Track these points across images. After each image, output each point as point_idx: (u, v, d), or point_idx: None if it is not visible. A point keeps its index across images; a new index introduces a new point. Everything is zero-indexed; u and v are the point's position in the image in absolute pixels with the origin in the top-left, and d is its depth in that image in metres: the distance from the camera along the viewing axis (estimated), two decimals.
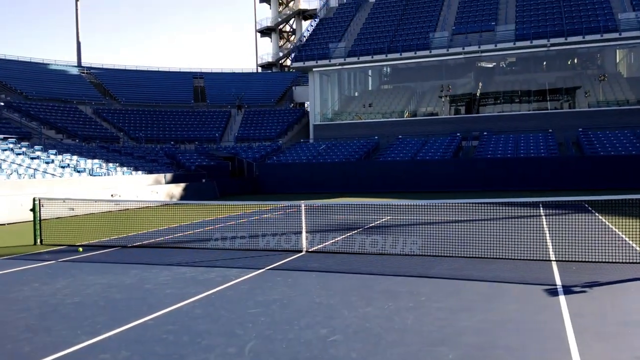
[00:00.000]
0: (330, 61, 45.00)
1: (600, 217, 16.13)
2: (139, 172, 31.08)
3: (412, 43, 43.37)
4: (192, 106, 51.77)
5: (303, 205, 12.03)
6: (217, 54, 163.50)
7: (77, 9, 56.38)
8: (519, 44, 40.11)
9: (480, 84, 46.80)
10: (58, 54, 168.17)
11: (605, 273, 8.69)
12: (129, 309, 7.25)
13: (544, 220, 16.16)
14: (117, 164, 31.77)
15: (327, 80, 48.57)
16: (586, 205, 19.38)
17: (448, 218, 16.87)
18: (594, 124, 36.87)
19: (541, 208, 19.52)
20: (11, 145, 29.99)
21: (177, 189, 29.88)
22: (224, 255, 11.37)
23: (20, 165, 26.48)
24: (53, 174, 26.26)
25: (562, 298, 7.26)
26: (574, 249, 10.21)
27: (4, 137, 32.01)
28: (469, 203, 18.25)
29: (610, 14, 40.29)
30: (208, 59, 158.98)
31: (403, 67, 47.79)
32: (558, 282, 8.19)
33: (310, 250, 11.57)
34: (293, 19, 70.18)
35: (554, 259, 9.98)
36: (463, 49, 41.34)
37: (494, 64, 48.78)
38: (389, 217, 17.75)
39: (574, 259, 9.74)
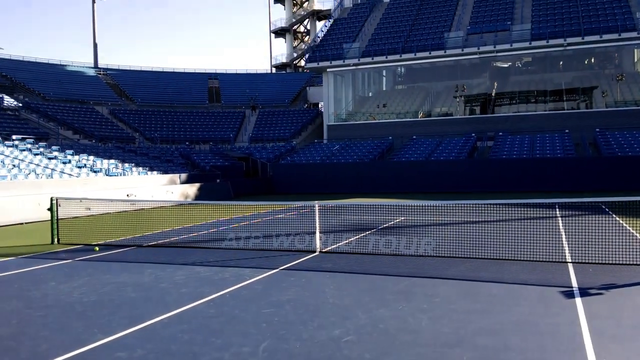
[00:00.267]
0: (344, 61, 44.97)
1: (617, 219, 15.92)
2: (154, 172, 31.34)
3: (426, 43, 43.19)
4: (206, 107, 52.07)
5: (317, 205, 12.04)
6: (232, 55, 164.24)
7: (93, 11, 57.00)
8: (535, 43, 39.74)
9: (496, 84, 46.45)
10: (75, 55, 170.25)
11: (623, 275, 8.58)
12: (145, 307, 7.32)
13: (560, 221, 15.99)
14: (133, 164, 32.06)
15: (341, 81, 48.55)
16: (603, 207, 19.14)
17: (463, 219, 16.77)
18: (611, 124, 36.41)
19: (557, 209, 19.32)
20: (29, 146, 30.42)
21: (192, 189, 30.07)
22: (238, 255, 11.42)
23: (38, 165, 26.84)
24: (70, 174, 26.58)
25: (578, 300, 7.19)
26: (590, 250, 10.10)
27: (23, 138, 32.47)
28: (484, 204, 18.12)
29: (629, 13, 39.76)
30: (223, 60, 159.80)
31: (417, 67, 47.61)
32: (574, 284, 8.11)
33: (324, 250, 11.58)
34: (307, 20, 70.28)
35: (570, 260, 9.88)
36: (478, 48, 41.07)
37: (510, 63, 48.38)
38: (403, 218, 17.70)
39: (590, 261, 9.63)
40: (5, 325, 6.64)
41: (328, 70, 45.77)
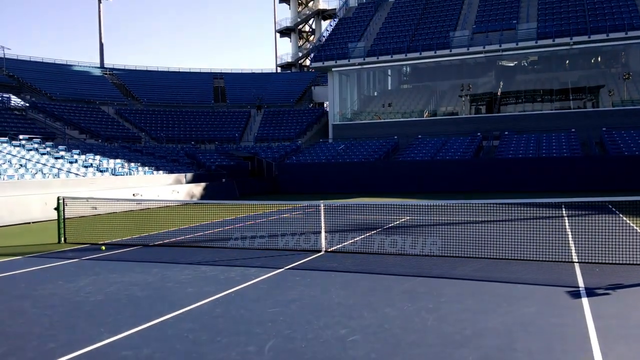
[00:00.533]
0: (349, 61, 44.94)
1: (624, 219, 15.84)
2: (160, 172, 31.43)
3: (432, 42, 43.09)
4: (212, 106, 52.17)
5: (322, 205, 12.04)
6: (237, 55, 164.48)
7: (99, 11, 57.21)
8: (541, 42, 39.57)
9: (501, 83, 46.30)
10: (81, 55, 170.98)
11: (629, 275, 8.54)
12: (151, 307, 7.35)
13: (567, 221, 15.93)
14: (139, 164, 32.17)
15: (347, 80, 48.52)
16: (610, 206, 19.05)
17: (468, 219, 16.73)
18: (618, 123, 36.22)
19: (563, 209, 19.24)
20: (36, 145, 30.57)
21: (198, 188, 30.14)
22: (243, 254, 11.44)
23: (44, 164, 26.97)
24: (76, 174, 26.69)
25: (584, 300, 7.16)
26: (597, 250, 10.06)
27: (29, 138, 32.65)
28: (490, 204, 18.08)
29: (635, 12, 39.52)
30: (228, 60, 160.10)
31: (423, 66, 47.51)
32: (581, 284, 8.08)
33: (329, 250, 11.58)
34: (312, 19, 70.28)
35: (576, 260, 9.84)
36: (484, 47, 40.94)
37: (516, 62, 48.21)
38: (408, 217, 17.67)
39: (597, 261, 9.59)
40: (12, 324, 6.68)
41: (333, 69, 45.76)
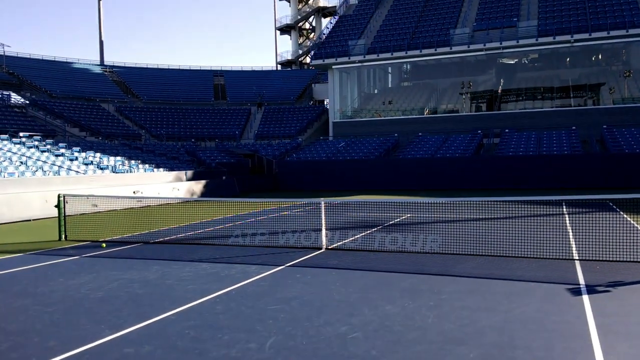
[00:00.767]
0: (349, 58, 44.90)
1: (625, 216, 15.84)
2: (161, 169, 31.43)
3: (432, 40, 43.05)
4: (212, 104, 52.16)
5: (323, 202, 12.04)
6: (237, 52, 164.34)
7: (99, 9, 57.14)
8: (541, 40, 39.55)
9: (502, 81, 46.27)
10: (81, 52, 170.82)
11: (630, 273, 8.54)
12: (152, 304, 7.35)
13: (567, 218, 15.93)
14: (139, 161, 32.17)
15: (347, 78, 48.48)
16: (610, 204, 19.06)
17: (469, 216, 16.73)
18: (618, 120, 36.21)
19: (564, 206, 19.24)
20: (36, 143, 30.56)
21: (198, 185, 30.14)
22: (244, 251, 11.44)
23: (45, 162, 26.97)
24: (77, 171, 26.69)
25: (585, 298, 7.16)
26: (598, 248, 10.05)
27: (30, 135, 32.63)
28: (490, 201, 18.08)
29: (636, 9, 39.48)
30: (228, 57, 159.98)
31: (423, 64, 47.48)
32: (581, 281, 8.08)
33: (330, 247, 11.58)
34: (312, 17, 70.20)
35: (577, 258, 9.84)
36: (484, 45, 40.92)
37: (516, 60, 48.18)
38: (409, 215, 17.68)
39: (598, 258, 9.59)
40: (13, 321, 6.69)
41: (333, 67, 45.73)
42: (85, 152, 31.25)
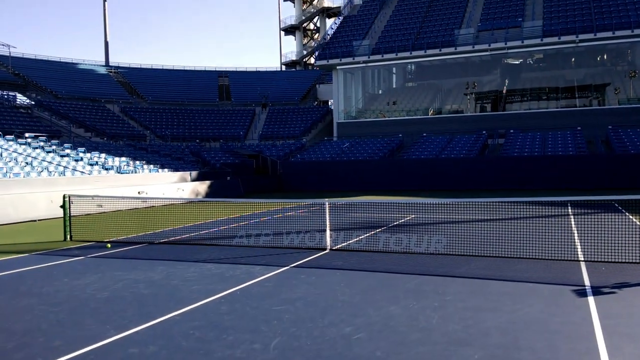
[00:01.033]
0: (354, 59, 44.88)
1: (630, 217, 15.78)
2: (165, 170, 31.50)
3: (437, 40, 42.99)
4: (217, 104, 52.23)
5: (327, 203, 12.04)
6: (242, 53, 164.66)
7: (104, 10, 57.32)
8: (546, 40, 39.41)
9: (507, 81, 46.16)
10: (86, 53, 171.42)
11: (636, 274, 8.50)
12: (157, 304, 7.37)
13: (572, 219, 15.87)
14: (144, 162, 32.25)
15: (351, 78, 48.46)
16: (616, 205, 18.97)
17: (474, 217, 16.70)
18: (623, 121, 36.06)
19: (569, 207, 19.17)
20: (42, 144, 30.69)
21: (202, 186, 30.19)
22: (248, 252, 11.45)
23: (50, 162, 27.07)
24: (82, 172, 26.79)
25: (591, 299, 7.13)
26: (603, 249, 10.01)
27: (35, 136, 32.77)
28: (495, 202, 18.04)
29: None
30: (233, 58, 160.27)
31: (428, 64, 47.41)
32: (587, 282, 8.05)
33: (334, 248, 11.58)
34: (317, 17, 70.21)
35: (582, 259, 9.80)
36: (489, 45, 40.82)
37: (521, 60, 48.06)
38: (413, 216, 17.65)
39: (603, 260, 9.56)
40: (18, 321, 6.72)
41: (338, 67, 45.72)
42: (90, 152, 31.36)
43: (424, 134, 40.08)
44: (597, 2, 42.01)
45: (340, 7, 61.17)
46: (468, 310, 6.76)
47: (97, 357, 5.37)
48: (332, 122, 46.70)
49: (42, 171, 24.92)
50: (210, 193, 30.21)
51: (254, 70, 59.87)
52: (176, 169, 32.42)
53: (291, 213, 19.73)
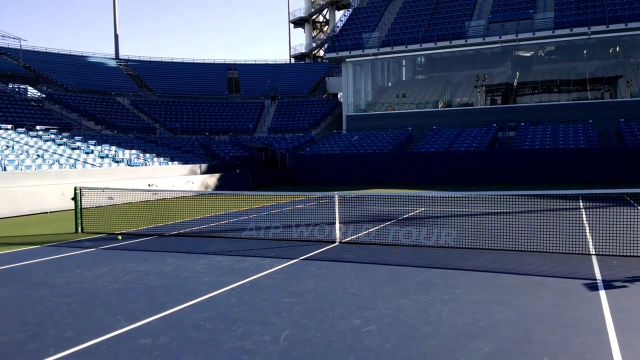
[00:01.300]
0: (363, 51, 44.70)
1: None
2: (175, 163, 31.63)
3: (447, 32, 42.68)
4: (226, 97, 52.28)
5: (336, 196, 12.03)
6: (251, 46, 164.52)
7: (114, 3, 57.43)
8: (558, 32, 39.01)
9: (518, 74, 45.77)
10: (96, 46, 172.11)
11: None
12: (167, 296, 7.42)
13: (584, 213, 15.76)
14: (154, 155, 32.40)
15: (361, 71, 48.29)
16: (628, 198, 18.81)
17: (484, 210, 16.62)
18: (636, 114, 35.65)
19: (581, 201, 19.03)
20: (53, 136, 30.91)
21: (212, 179, 30.29)
22: (258, 244, 11.49)
23: (61, 155, 27.27)
24: (93, 164, 26.96)
25: (602, 293, 7.09)
26: (615, 243, 9.93)
27: (46, 128, 33.00)
28: (505, 195, 17.95)
29: None
30: (242, 51, 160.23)
31: (437, 56, 47.11)
32: (598, 276, 7.99)
33: (343, 241, 11.58)
34: (326, 9, 69.92)
35: (594, 252, 9.74)
36: (500, 37, 40.47)
37: (532, 52, 47.59)
38: (423, 209, 17.61)
39: (614, 254, 9.48)
40: (31, 312, 6.79)
41: (347, 60, 45.56)
42: (100, 145, 31.54)
43: (434, 127, 39.89)
44: None
45: None
46: (478, 303, 6.74)
47: (108, 348, 5.42)
48: (342, 115, 46.60)
49: (53, 164, 25.11)
50: (220, 186, 30.30)
51: (263, 63, 59.84)
52: (186, 162, 32.54)
53: (300, 206, 19.75)
